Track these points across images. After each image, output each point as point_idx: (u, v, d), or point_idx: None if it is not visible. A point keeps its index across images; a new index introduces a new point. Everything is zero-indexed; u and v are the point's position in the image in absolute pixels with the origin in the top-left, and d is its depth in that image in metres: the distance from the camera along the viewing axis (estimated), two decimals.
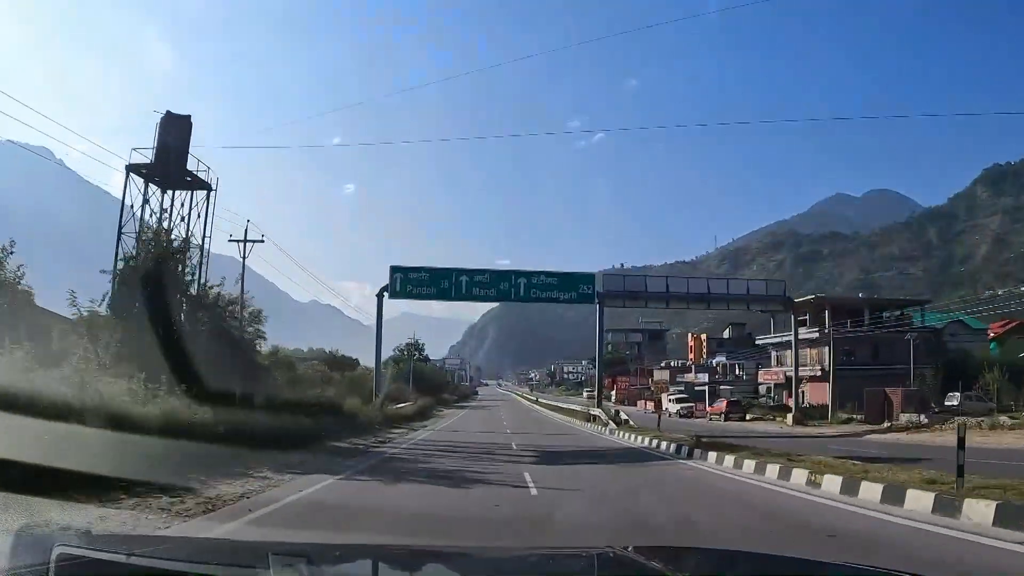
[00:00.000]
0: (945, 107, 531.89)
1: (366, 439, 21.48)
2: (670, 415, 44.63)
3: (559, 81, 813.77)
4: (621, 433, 23.79)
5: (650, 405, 60.58)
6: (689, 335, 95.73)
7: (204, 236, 30.66)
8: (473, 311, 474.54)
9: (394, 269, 32.05)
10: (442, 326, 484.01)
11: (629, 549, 2.52)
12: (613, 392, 71.59)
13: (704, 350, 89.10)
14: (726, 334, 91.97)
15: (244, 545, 4.03)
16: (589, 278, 32.27)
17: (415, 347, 73.97)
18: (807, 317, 53.73)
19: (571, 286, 31.88)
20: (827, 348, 51.10)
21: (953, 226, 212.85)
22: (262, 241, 28.99)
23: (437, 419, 40.78)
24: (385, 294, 31.86)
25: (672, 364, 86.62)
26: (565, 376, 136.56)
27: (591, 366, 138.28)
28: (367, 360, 62.65)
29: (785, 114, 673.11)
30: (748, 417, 41.55)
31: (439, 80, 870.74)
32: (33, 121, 17.70)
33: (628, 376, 76.88)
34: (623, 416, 28.76)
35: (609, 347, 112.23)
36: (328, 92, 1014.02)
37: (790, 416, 35.99)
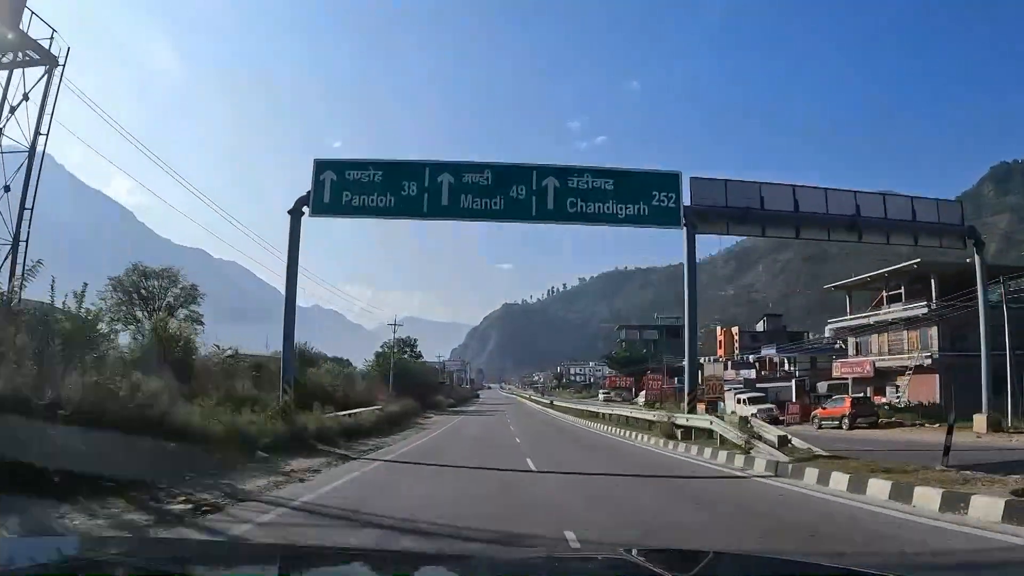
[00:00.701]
0: (946, 108, 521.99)
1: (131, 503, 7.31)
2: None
3: (560, 82, 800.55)
4: (811, 472, 9.49)
5: (700, 407, 46.39)
6: (718, 328, 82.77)
7: (37, 131, 17.79)
8: (475, 315, 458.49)
9: (321, 165, 17.68)
10: (444, 330, 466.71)
11: (635, 552, 2.33)
12: (642, 394, 57.55)
13: (737, 344, 76.09)
14: (760, 327, 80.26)
15: (245, 547, 3.97)
16: (671, 181, 17.92)
17: (406, 343, 61.86)
18: (901, 291, 41.03)
19: (640, 194, 17.57)
20: (935, 329, 38.69)
21: None
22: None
23: (412, 432, 26.51)
24: (305, 209, 17.51)
25: (702, 361, 73.78)
26: (572, 378, 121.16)
27: (599, 367, 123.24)
28: (360, 362, 49.53)
29: (785, 115, 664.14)
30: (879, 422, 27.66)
31: (438, 76, 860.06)
32: None
33: (654, 374, 63.22)
34: (774, 432, 13.75)
35: (623, 344, 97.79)
36: (326, 94, 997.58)
37: (979, 419, 21.88)
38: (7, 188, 18.42)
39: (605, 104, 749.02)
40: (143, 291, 24.40)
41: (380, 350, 55.18)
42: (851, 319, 45.62)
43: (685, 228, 17.91)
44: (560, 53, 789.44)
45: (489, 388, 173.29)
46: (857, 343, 46.00)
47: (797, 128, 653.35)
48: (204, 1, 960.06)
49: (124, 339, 16.98)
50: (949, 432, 9.43)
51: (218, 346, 21.32)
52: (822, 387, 45.80)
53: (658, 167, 22.37)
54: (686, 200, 17.97)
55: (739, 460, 12.39)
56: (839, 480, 8.93)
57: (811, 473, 9.74)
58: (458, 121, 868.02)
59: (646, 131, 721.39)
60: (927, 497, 7.32)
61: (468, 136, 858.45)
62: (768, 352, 61.12)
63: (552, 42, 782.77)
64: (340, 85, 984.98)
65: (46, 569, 1.72)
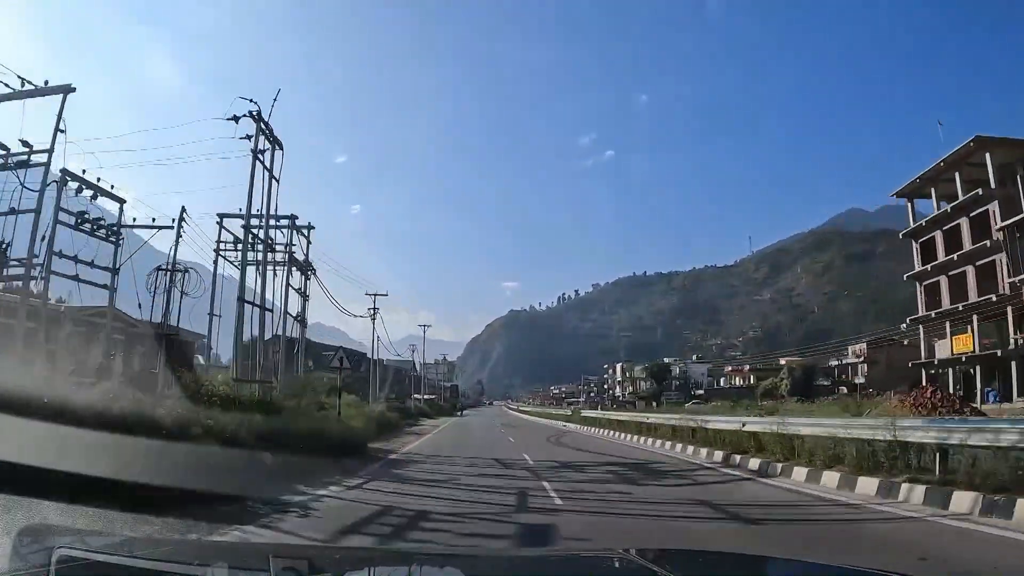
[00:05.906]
0: (954, 115, 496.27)
1: None
2: None
3: (567, 97, 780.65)
4: None
5: None
6: None
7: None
8: (478, 327, 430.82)
9: None
10: (450, 348, 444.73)
11: (634, 552, 2.31)
12: None
13: None
14: None
15: (246, 547, 3.85)
16: None
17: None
18: None
19: None
20: None
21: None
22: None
23: None
24: None
25: None
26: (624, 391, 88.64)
27: (686, 363, 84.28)
28: None
29: (800, 130, 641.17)
30: None
31: (443, 93, 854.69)
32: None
33: None
34: None
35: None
36: (331, 108, 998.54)
37: None
38: None
39: (612, 118, 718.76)
40: None
41: None
42: None
43: None
44: (567, 67, 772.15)
45: (490, 405, 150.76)
46: None
47: (811, 142, 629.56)
48: (200, 11, 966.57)
49: None
50: None
51: None
52: None
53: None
54: None
55: None
56: None
57: None
58: (462, 138, 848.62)
59: (654, 145, 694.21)
60: None
61: (471, 154, 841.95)
62: None
63: (559, 57, 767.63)
64: (341, 99, 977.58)
65: (45, 570, 1.71)
